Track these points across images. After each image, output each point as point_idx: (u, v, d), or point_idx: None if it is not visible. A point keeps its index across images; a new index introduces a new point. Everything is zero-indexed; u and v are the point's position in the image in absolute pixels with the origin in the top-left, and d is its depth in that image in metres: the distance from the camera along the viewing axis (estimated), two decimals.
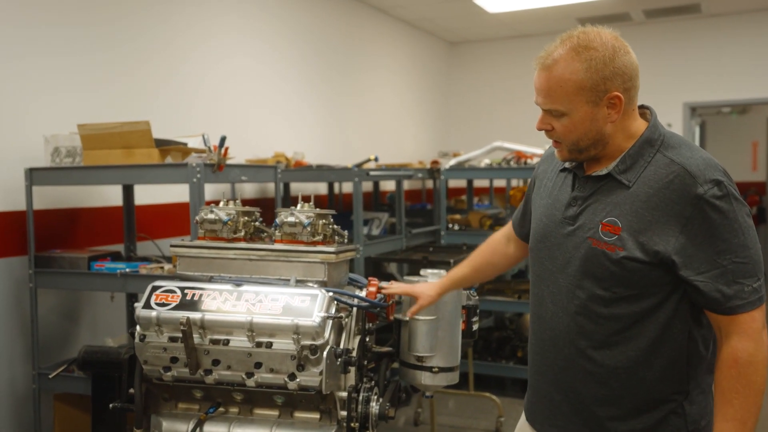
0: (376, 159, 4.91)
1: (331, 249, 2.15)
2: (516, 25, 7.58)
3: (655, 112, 1.60)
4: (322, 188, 5.78)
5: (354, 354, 2.09)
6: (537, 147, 4.73)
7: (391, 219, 5.12)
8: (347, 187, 5.87)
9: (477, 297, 2.42)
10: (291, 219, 2.20)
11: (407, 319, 2.29)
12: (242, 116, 4.86)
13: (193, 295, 2.09)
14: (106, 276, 3.02)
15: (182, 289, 2.11)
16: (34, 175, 3.13)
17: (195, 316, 2.03)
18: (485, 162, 5.14)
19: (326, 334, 1.99)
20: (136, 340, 2.09)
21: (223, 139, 2.85)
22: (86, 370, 2.31)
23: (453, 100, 8.50)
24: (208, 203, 2.51)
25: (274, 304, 2.03)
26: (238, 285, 2.11)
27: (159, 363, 2.09)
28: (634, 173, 1.51)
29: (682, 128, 7.58)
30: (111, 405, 2.20)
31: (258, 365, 2.03)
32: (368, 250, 4.09)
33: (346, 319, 2.13)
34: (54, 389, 3.25)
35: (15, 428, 3.30)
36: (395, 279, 4.80)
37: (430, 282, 2.15)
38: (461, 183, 7.19)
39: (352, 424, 2.06)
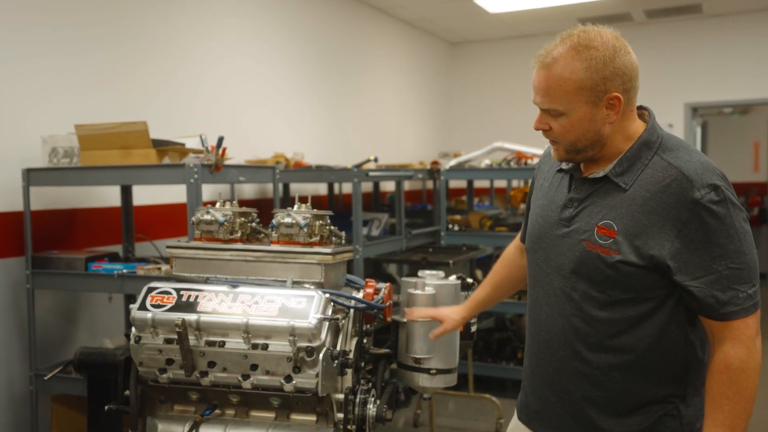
0: (375, 159, 4.90)
1: (328, 250, 2.14)
2: (517, 25, 7.57)
3: (654, 114, 1.58)
4: (322, 189, 5.77)
5: (351, 356, 2.08)
6: (537, 147, 4.71)
7: (391, 220, 5.10)
8: (347, 188, 5.85)
9: None
10: (288, 220, 2.19)
11: (405, 320, 2.28)
12: (242, 116, 4.85)
13: (189, 296, 2.08)
14: (103, 277, 3.01)
15: (178, 290, 2.10)
16: (32, 176, 3.11)
17: (190, 317, 2.02)
18: (485, 162, 5.13)
19: (322, 336, 1.98)
20: (132, 341, 2.08)
21: (220, 140, 2.84)
22: (82, 371, 2.30)
23: (453, 100, 8.49)
24: (207, 204, 2.50)
25: (270, 305, 2.02)
26: (234, 286, 2.10)
27: (154, 365, 2.08)
28: (631, 176, 1.50)
29: (683, 129, 7.56)
30: (106, 407, 2.19)
31: (254, 367, 2.01)
32: (367, 251, 4.08)
33: (343, 321, 2.12)
34: (51, 390, 3.24)
35: (12, 430, 3.29)
36: (394, 280, 4.80)
37: (454, 307, 2.12)
38: (462, 183, 7.18)
39: (349, 427, 2.04)
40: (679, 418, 1.53)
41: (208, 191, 3.75)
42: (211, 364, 2.04)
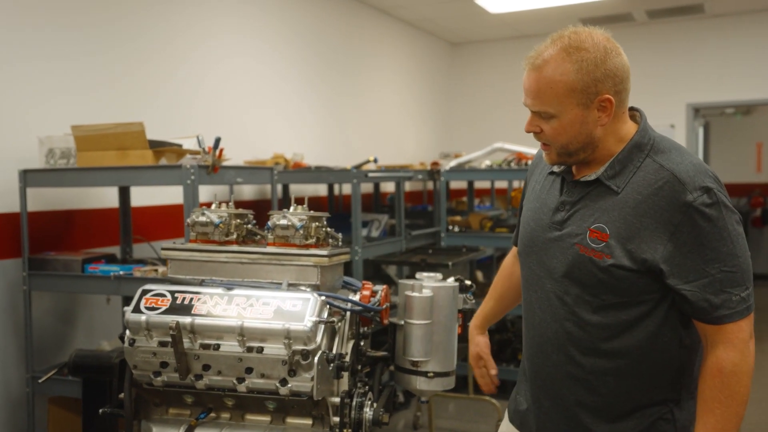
0: (375, 160, 4.88)
1: (324, 252, 2.12)
2: (518, 25, 7.55)
3: (645, 115, 1.56)
4: (322, 189, 5.75)
5: (347, 359, 2.06)
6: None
7: (391, 221, 5.09)
8: (347, 189, 5.84)
9: (474, 300, 2.39)
10: (283, 222, 2.17)
11: (402, 323, 2.26)
12: (242, 117, 4.83)
13: (184, 298, 2.06)
14: (99, 279, 3.00)
15: (172, 292, 2.08)
16: (28, 177, 3.10)
17: (185, 320, 2.00)
18: (486, 163, 5.10)
19: (318, 339, 1.96)
20: (126, 344, 2.06)
21: (217, 141, 2.82)
22: (77, 374, 2.28)
23: (454, 100, 8.46)
24: (203, 205, 2.48)
25: (265, 308, 2.00)
26: (230, 289, 2.08)
27: (149, 368, 2.06)
28: (623, 179, 1.48)
29: (685, 129, 7.53)
30: (101, 410, 2.17)
31: (249, 370, 1.99)
32: (367, 252, 4.06)
33: (340, 324, 2.10)
34: (48, 393, 3.23)
35: None
36: (393, 282, 4.78)
37: (471, 340, 2.07)
38: (462, 184, 7.15)
39: (345, 430, 2.02)
40: (672, 422, 1.52)
41: (207, 192, 3.74)
42: (206, 368, 2.02)
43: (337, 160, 5.81)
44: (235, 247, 2.20)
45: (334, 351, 2.05)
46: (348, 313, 2.12)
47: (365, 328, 2.23)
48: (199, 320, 2.00)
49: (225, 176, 2.98)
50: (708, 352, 1.45)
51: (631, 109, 1.57)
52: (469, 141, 7.87)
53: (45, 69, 3.42)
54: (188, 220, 2.27)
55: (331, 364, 1.98)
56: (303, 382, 1.96)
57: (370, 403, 2.09)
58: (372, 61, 6.68)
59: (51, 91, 3.45)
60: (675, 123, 7.52)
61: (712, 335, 1.43)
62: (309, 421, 2.10)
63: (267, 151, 4.92)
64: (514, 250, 1.95)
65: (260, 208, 4.44)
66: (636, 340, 1.48)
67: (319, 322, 1.96)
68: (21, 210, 3.12)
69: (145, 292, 2.10)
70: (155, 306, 2.05)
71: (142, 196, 3.90)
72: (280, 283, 2.12)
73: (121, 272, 2.95)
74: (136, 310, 2.05)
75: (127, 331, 2.06)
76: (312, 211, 2.23)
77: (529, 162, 4.65)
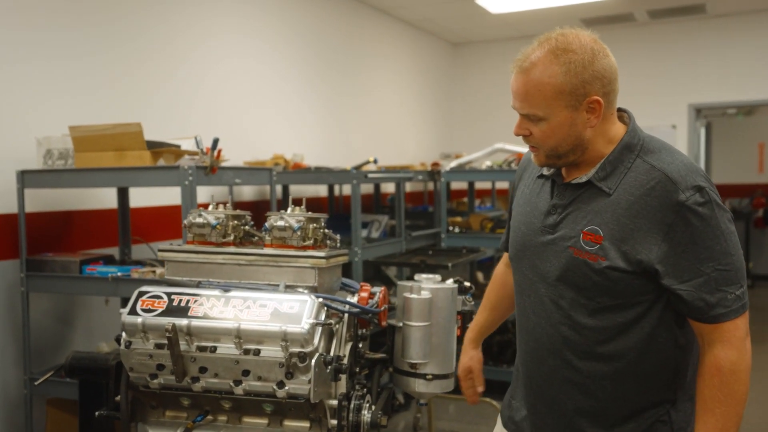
0: (375, 161, 4.87)
1: (322, 254, 2.10)
2: (519, 25, 7.53)
3: (633, 115, 1.56)
4: (322, 190, 5.74)
5: (345, 361, 2.04)
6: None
7: (391, 221, 5.07)
8: (347, 189, 5.82)
9: (473, 302, 2.37)
10: (281, 223, 2.15)
11: (401, 324, 2.24)
12: (242, 117, 4.82)
13: (180, 300, 2.04)
14: (97, 280, 2.98)
15: (169, 294, 2.06)
16: (26, 178, 3.09)
17: (181, 322, 1.98)
18: (487, 164, 5.09)
19: (315, 341, 1.94)
20: (122, 346, 2.04)
21: (215, 142, 2.81)
22: (73, 376, 2.26)
23: (455, 101, 8.45)
24: (200, 206, 2.46)
25: (262, 310, 1.98)
26: (226, 290, 2.06)
27: (145, 370, 2.04)
28: (614, 180, 1.47)
29: (687, 130, 7.51)
30: (97, 413, 2.15)
31: (246, 373, 1.97)
32: (367, 253, 4.04)
33: (337, 326, 2.08)
34: (47, 394, 3.22)
35: None
36: (393, 283, 4.76)
37: (465, 352, 2.05)
38: (463, 185, 7.14)
39: None
40: (669, 423, 1.51)
41: (206, 193, 3.72)
42: (203, 370, 2.01)
43: (338, 160, 5.79)
44: (232, 249, 2.19)
45: (331, 353, 2.03)
46: (346, 315, 2.10)
47: (363, 330, 2.21)
48: (195, 322, 1.99)
49: (223, 177, 2.97)
50: (705, 352, 1.44)
51: (619, 110, 1.56)
52: (469, 141, 7.86)
53: (43, 69, 3.41)
54: (185, 222, 2.26)
55: (329, 367, 1.96)
56: (300, 385, 1.95)
57: (368, 405, 2.07)
58: (372, 62, 6.66)
59: (49, 92, 3.44)
60: (677, 123, 7.50)
61: (709, 334, 1.43)
62: (306, 424, 2.08)
63: (267, 151, 4.90)
64: (505, 257, 1.93)
65: (260, 209, 4.42)
66: (632, 342, 1.47)
67: (317, 324, 1.95)
68: (19, 211, 3.11)
69: (141, 293, 2.08)
70: (151, 308, 2.03)
71: (141, 197, 3.88)
72: (278, 285, 2.10)
73: (119, 273, 2.94)
74: (133, 312, 2.03)
75: (123, 333, 2.05)
76: (310, 212, 2.21)
77: None
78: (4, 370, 3.25)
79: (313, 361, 1.92)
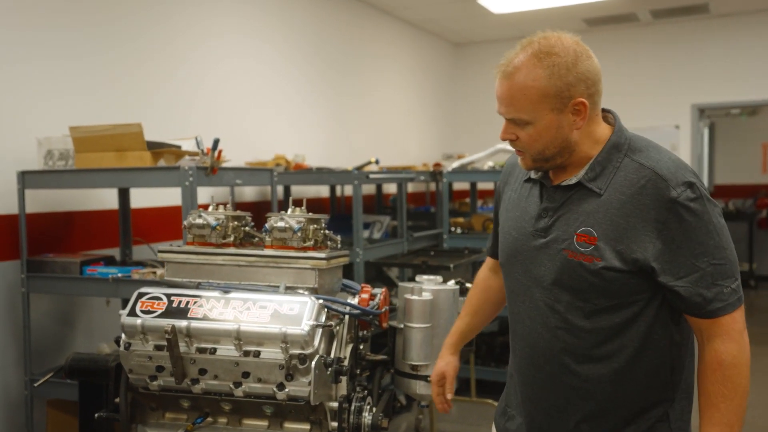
0: (377, 162, 4.85)
1: (322, 255, 2.09)
2: (521, 26, 7.51)
3: (618, 116, 1.56)
4: (324, 191, 5.73)
5: (346, 363, 2.03)
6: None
7: (393, 222, 5.05)
8: (349, 190, 5.81)
9: None
10: (281, 224, 2.15)
11: (402, 326, 2.23)
12: (243, 118, 4.81)
13: (180, 302, 2.04)
14: (98, 281, 2.97)
15: (168, 296, 2.05)
16: (27, 179, 3.08)
17: (181, 323, 1.97)
18: (489, 164, 5.07)
19: (315, 343, 1.93)
20: (121, 348, 2.04)
21: (216, 142, 2.80)
22: (73, 377, 2.25)
23: (457, 101, 8.43)
24: (200, 207, 2.45)
25: (262, 311, 1.98)
26: (226, 292, 2.06)
27: (145, 372, 2.04)
28: (604, 180, 1.47)
29: (690, 130, 7.48)
30: (96, 414, 2.15)
31: (246, 375, 1.97)
32: (368, 254, 4.03)
33: (338, 327, 2.07)
34: (47, 395, 3.21)
35: None
36: (395, 284, 4.75)
37: (442, 357, 1.96)
38: (465, 186, 7.12)
39: None
40: (668, 422, 1.51)
41: (207, 194, 3.71)
42: (203, 372, 2.00)
43: (339, 161, 5.78)
44: (232, 250, 2.18)
45: (332, 355, 2.02)
46: (346, 317, 2.09)
47: (364, 332, 2.21)
48: (195, 324, 1.98)
49: (224, 178, 2.96)
50: (705, 348, 1.44)
51: (604, 110, 1.57)
52: (472, 142, 7.84)
53: (44, 69, 3.40)
54: (185, 222, 2.25)
55: (329, 369, 1.95)
56: (300, 387, 1.94)
57: (369, 407, 2.06)
58: (374, 62, 6.65)
59: (50, 92, 3.43)
60: (680, 124, 7.48)
61: (708, 329, 1.43)
62: (307, 426, 2.07)
63: (268, 152, 4.89)
64: (489, 262, 1.92)
65: (261, 210, 4.41)
66: (630, 342, 1.47)
67: (317, 325, 1.94)
68: (19, 212, 3.10)
69: (141, 295, 2.08)
70: (151, 309, 2.03)
71: (143, 198, 3.88)
72: (278, 286, 2.09)
73: (120, 274, 2.93)
74: (132, 313, 2.03)
75: (123, 335, 2.04)
76: (310, 213, 2.20)
77: None
78: (5, 371, 3.24)
79: (314, 363, 1.92)
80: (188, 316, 2.00)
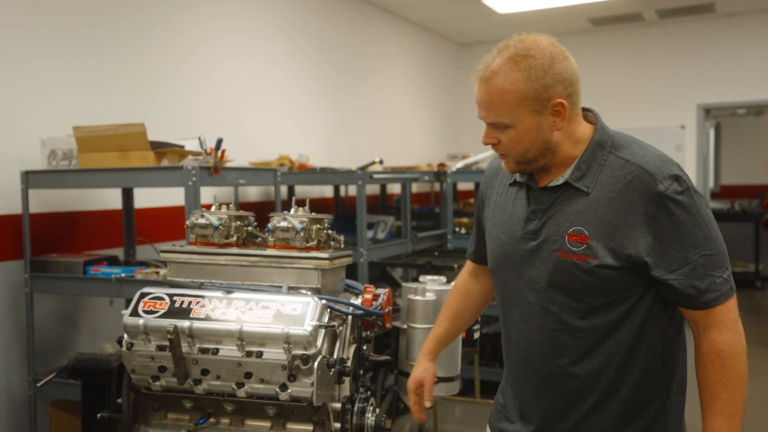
0: (381, 162, 4.84)
1: (325, 255, 2.08)
2: (526, 25, 7.48)
3: (598, 113, 1.57)
4: (328, 191, 5.72)
5: (349, 363, 2.02)
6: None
7: (397, 222, 5.04)
8: (353, 190, 5.80)
9: None
10: (284, 224, 2.13)
11: (405, 326, 2.22)
12: (247, 118, 4.81)
13: (182, 302, 2.03)
14: (101, 281, 2.97)
15: (171, 296, 2.04)
16: (30, 178, 3.08)
17: (183, 324, 1.96)
18: None
19: (318, 344, 1.92)
20: (123, 348, 2.03)
21: (219, 142, 2.79)
22: (75, 377, 2.25)
23: (461, 101, 8.41)
24: (203, 206, 2.45)
25: (264, 312, 1.96)
26: (229, 292, 2.05)
27: (147, 372, 2.03)
28: (590, 178, 1.48)
29: (696, 130, 7.45)
30: (99, 415, 2.14)
31: (248, 375, 1.96)
32: (372, 255, 4.02)
33: (341, 328, 2.06)
34: (51, 395, 3.21)
35: None
36: (399, 285, 4.74)
37: (419, 363, 1.91)
38: (470, 186, 7.10)
39: None
40: (665, 416, 1.52)
41: (211, 194, 3.71)
42: (205, 372, 1.99)
43: (344, 161, 5.77)
44: (234, 250, 2.17)
45: (335, 355, 2.01)
46: (349, 317, 2.08)
47: (368, 332, 2.19)
48: (197, 324, 1.97)
49: (227, 178, 2.95)
50: (701, 339, 1.45)
51: (584, 109, 1.57)
52: (476, 142, 7.77)
53: (46, 69, 3.41)
54: (188, 222, 2.24)
55: (332, 369, 1.94)
56: (303, 388, 1.93)
57: (372, 408, 2.05)
58: (379, 62, 6.64)
59: (53, 92, 3.43)
60: (685, 124, 7.45)
61: (703, 320, 1.44)
62: (310, 427, 2.06)
63: (272, 152, 4.89)
64: (469, 266, 1.91)
65: (265, 210, 4.39)
66: (625, 338, 1.48)
67: (320, 326, 1.93)
68: (23, 211, 3.11)
69: (143, 295, 2.07)
70: (153, 309, 2.02)
71: (146, 198, 3.87)
72: (281, 287, 2.08)
73: (123, 274, 2.92)
74: (134, 313, 2.02)
75: (125, 335, 2.03)
76: (313, 213, 2.19)
77: None
78: (9, 371, 3.24)
79: (316, 363, 1.90)
80: (191, 316, 1.99)
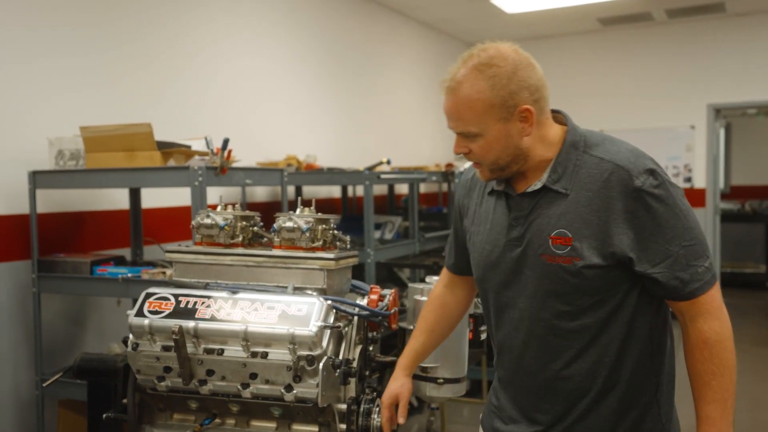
0: (388, 162, 4.83)
1: (331, 255, 2.07)
2: (534, 25, 7.46)
3: (568, 114, 1.57)
4: (335, 191, 5.71)
5: (354, 364, 2.01)
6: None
7: (404, 223, 5.03)
8: (361, 190, 5.79)
9: None
10: (289, 224, 2.13)
11: (411, 327, 2.21)
12: (254, 118, 4.81)
13: (188, 302, 2.02)
14: (108, 281, 2.97)
15: (176, 296, 2.04)
16: (38, 178, 3.09)
17: (188, 324, 1.96)
18: None
19: (324, 344, 1.91)
20: (129, 348, 2.02)
21: (226, 142, 2.79)
22: (81, 377, 2.25)
23: None
24: (210, 206, 2.44)
25: (270, 312, 1.96)
26: (234, 292, 2.04)
27: (152, 373, 2.02)
28: (567, 180, 1.49)
29: (706, 130, 7.40)
30: (104, 415, 2.14)
31: (253, 376, 1.95)
32: (380, 255, 4.01)
33: (347, 328, 2.05)
34: (58, 395, 3.21)
35: None
36: (406, 285, 4.72)
37: (395, 378, 1.89)
38: None
39: None
40: (657, 408, 1.53)
41: (218, 194, 3.70)
42: (210, 373, 1.98)
43: (352, 161, 5.76)
44: (240, 250, 2.16)
45: (340, 356, 2.00)
46: (355, 318, 2.07)
47: (374, 333, 2.18)
48: (202, 324, 1.96)
49: (234, 178, 2.95)
50: (688, 329, 1.46)
51: (554, 111, 1.58)
52: None
53: (53, 69, 3.41)
54: (193, 223, 2.24)
55: (338, 370, 1.93)
56: (308, 389, 1.92)
57: (377, 409, 2.04)
58: (387, 62, 6.63)
59: (59, 92, 3.44)
60: (695, 124, 7.40)
61: (689, 310, 1.45)
62: (315, 428, 2.05)
63: (279, 152, 4.88)
64: (444, 278, 1.89)
65: (273, 210, 4.38)
66: (615, 334, 1.49)
67: (325, 327, 1.92)
68: (30, 212, 3.11)
69: (148, 295, 2.06)
70: (159, 309, 2.02)
71: (154, 198, 3.88)
72: (286, 287, 2.08)
73: (130, 275, 2.92)
74: (140, 313, 2.02)
75: (131, 335, 2.03)
76: (319, 213, 2.18)
77: None
78: (17, 371, 3.25)
79: (322, 364, 1.89)
80: (196, 316, 1.98)
